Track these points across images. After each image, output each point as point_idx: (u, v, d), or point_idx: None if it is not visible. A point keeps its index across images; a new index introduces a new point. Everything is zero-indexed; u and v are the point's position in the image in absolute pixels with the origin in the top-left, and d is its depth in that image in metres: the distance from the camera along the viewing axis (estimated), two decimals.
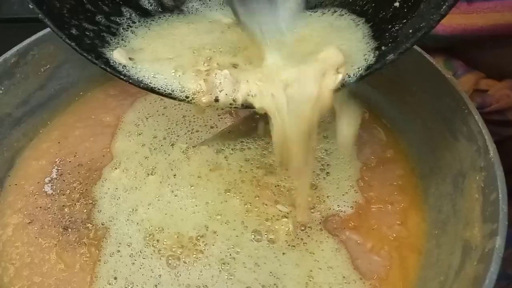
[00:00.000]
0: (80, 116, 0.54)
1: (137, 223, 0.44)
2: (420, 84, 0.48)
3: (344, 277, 0.41)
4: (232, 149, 0.49)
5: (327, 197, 0.46)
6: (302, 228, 0.44)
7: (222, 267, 0.41)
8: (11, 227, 0.45)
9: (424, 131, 0.49)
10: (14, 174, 0.49)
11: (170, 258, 0.42)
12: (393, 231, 0.44)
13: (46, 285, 0.41)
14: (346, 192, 0.46)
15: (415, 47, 0.47)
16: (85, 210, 0.46)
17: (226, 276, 0.41)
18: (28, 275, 0.42)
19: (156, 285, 0.41)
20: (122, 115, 0.54)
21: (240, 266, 0.41)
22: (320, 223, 0.44)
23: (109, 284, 0.41)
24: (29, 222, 0.45)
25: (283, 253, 0.42)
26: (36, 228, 0.44)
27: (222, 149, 0.49)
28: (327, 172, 0.48)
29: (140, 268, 0.41)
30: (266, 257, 0.42)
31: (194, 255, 0.42)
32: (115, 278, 0.41)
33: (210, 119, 0.53)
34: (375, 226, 0.44)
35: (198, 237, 0.43)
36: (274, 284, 0.40)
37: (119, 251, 0.43)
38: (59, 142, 0.51)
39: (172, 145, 0.50)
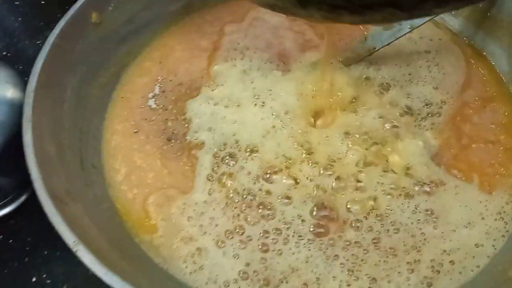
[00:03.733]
0: (179, 39, 0.55)
1: (227, 143, 0.46)
2: None
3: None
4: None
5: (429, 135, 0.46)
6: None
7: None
8: (120, 133, 0.48)
9: None
10: (120, 88, 0.51)
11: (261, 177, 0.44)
12: (495, 171, 0.44)
13: (153, 187, 0.44)
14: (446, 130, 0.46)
15: None
16: (186, 125, 0.48)
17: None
18: (137, 178, 0.45)
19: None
20: (218, 40, 0.55)
21: None
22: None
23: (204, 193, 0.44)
24: (136, 132, 0.48)
25: None
26: (142, 137, 0.47)
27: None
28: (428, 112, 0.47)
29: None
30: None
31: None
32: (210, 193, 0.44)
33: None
34: (476, 165, 0.44)
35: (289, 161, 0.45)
36: None
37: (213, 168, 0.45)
38: (160, 62, 0.53)
39: (276, 66, 0.51)
